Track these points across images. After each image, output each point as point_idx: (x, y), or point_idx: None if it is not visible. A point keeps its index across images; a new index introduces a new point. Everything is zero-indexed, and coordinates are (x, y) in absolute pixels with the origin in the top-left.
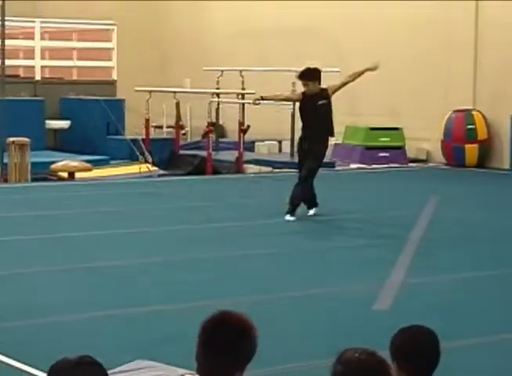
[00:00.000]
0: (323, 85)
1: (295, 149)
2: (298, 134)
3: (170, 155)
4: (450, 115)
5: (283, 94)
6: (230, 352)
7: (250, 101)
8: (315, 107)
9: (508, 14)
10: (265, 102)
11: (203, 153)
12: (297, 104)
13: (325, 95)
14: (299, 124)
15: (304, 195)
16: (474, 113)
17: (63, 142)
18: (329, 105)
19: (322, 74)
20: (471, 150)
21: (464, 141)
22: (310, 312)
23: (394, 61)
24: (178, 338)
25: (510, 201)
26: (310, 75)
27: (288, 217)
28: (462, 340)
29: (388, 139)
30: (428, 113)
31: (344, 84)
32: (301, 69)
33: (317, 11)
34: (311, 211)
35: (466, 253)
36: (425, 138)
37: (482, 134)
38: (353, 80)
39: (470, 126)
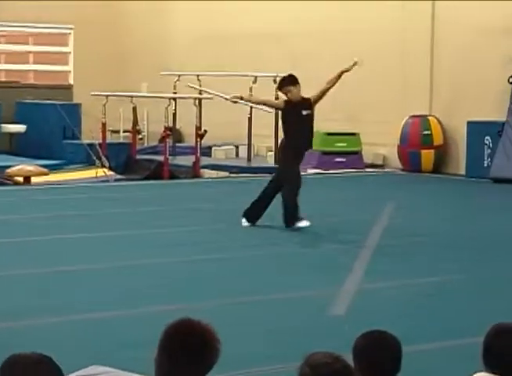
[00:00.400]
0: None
1: (252, 154)
2: (256, 139)
3: (126, 160)
4: (406, 121)
5: (265, 99)
6: (191, 361)
7: (228, 97)
8: (299, 116)
9: (463, 21)
10: (222, 104)
11: (160, 158)
12: (280, 113)
13: (308, 104)
14: (257, 129)
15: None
16: (430, 118)
17: (19, 147)
18: (312, 116)
19: (278, 79)
20: (427, 156)
21: (420, 146)
22: (267, 317)
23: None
24: (135, 343)
25: (465, 207)
26: (291, 80)
27: (302, 223)
28: (417, 345)
29: (345, 144)
30: (385, 118)
31: (324, 91)
32: (258, 74)
33: (276, 17)
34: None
35: (421, 259)
36: (382, 143)
37: (438, 139)
38: (333, 85)
39: (427, 132)
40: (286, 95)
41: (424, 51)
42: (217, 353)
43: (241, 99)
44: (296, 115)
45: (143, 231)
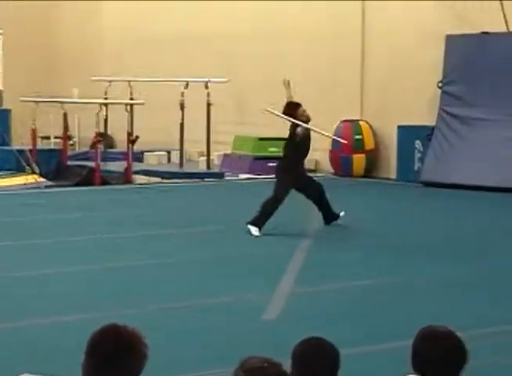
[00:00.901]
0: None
1: (184, 159)
2: (188, 144)
3: (57, 166)
4: (338, 125)
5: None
6: (117, 365)
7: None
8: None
9: (393, 27)
10: (154, 110)
11: (92, 164)
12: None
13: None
14: (188, 134)
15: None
16: (361, 123)
17: None
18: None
19: (210, 84)
20: (359, 160)
21: (352, 151)
22: (200, 322)
23: (283, 72)
24: (65, 350)
25: (396, 210)
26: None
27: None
28: (349, 348)
29: (277, 149)
30: (316, 123)
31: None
32: (189, 79)
33: (208, 22)
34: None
35: (353, 261)
36: (314, 148)
37: (369, 144)
38: None
39: (358, 136)
40: (303, 116)
41: (355, 56)
42: (144, 358)
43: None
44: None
45: (74, 238)
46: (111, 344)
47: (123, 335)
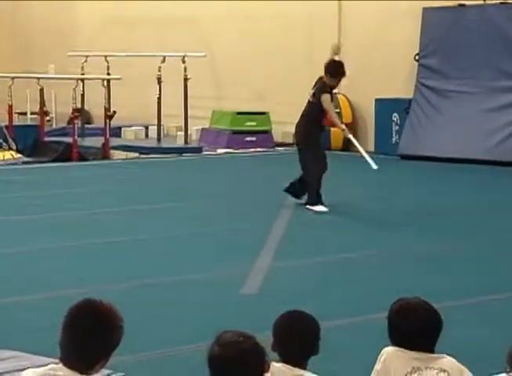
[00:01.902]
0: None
1: (162, 134)
2: (165, 119)
3: (34, 142)
4: None
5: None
6: (93, 340)
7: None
8: None
9: (368, 1)
10: (131, 85)
11: (69, 140)
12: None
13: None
14: (166, 109)
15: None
16: (338, 96)
17: None
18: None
19: (187, 58)
20: (336, 134)
21: (330, 124)
22: (178, 297)
23: (260, 47)
24: (41, 328)
25: (374, 183)
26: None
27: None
28: (329, 321)
29: (255, 123)
30: (294, 97)
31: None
32: (166, 53)
33: (186, 1)
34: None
35: (331, 236)
36: (291, 122)
37: (347, 117)
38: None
39: (335, 109)
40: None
41: (332, 30)
42: (120, 331)
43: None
44: None
45: (52, 214)
46: (87, 319)
47: (98, 310)
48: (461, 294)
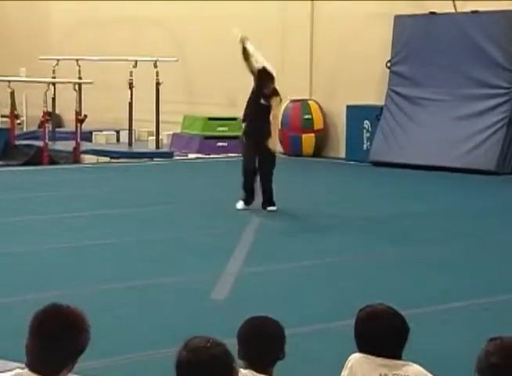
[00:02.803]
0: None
1: (133, 139)
2: (137, 123)
3: (5, 145)
4: (287, 105)
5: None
6: (60, 344)
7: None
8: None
9: (342, 6)
10: (102, 89)
11: (40, 143)
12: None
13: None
14: (137, 114)
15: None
16: (310, 102)
17: None
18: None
19: (159, 63)
20: (308, 140)
21: (301, 130)
22: (148, 302)
23: (231, 51)
24: (7, 332)
25: (344, 189)
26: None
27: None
28: (297, 328)
29: (226, 128)
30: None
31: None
32: (138, 58)
33: (158, 2)
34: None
35: (301, 242)
36: None
37: (318, 124)
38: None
39: (307, 116)
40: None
41: (304, 36)
42: (86, 336)
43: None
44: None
45: (21, 217)
46: (53, 323)
47: (64, 314)
48: (428, 301)
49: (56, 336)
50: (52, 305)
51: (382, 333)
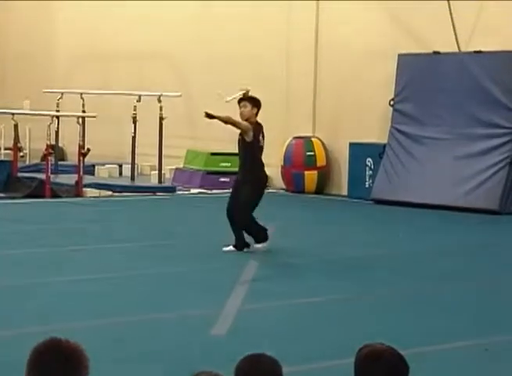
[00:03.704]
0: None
1: (136, 173)
2: (139, 158)
3: (7, 177)
4: (290, 141)
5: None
6: None
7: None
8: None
9: (346, 44)
10: (106, 123)
11: (42, 176)
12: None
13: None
14: (140, 148)
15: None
16: (313, 140)
17: None
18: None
19: (162, 98)
20: (310, 177)
21: (304, 167)
22: (149, 337)
23: (235, 87)
24: (6, 365)
25: (348, 228)
26: (252, 99)
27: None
28: (298, 366)
29: (229, 164)
30: (268, 139)
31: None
32: (142, 93)
33: (160, 35)
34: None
35: (302, 280)
36: (265, 163)
37: (321, 161)
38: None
39: (310, 153)
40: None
41: (307, 73)
42: (85, 372)
43: (209, 116)
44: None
45: (22, 250)
46: (52, 358)
47: (63, 348)
48: (429, 341)
49: (54, 372)
50: (51, 339)
51: (382, 373)
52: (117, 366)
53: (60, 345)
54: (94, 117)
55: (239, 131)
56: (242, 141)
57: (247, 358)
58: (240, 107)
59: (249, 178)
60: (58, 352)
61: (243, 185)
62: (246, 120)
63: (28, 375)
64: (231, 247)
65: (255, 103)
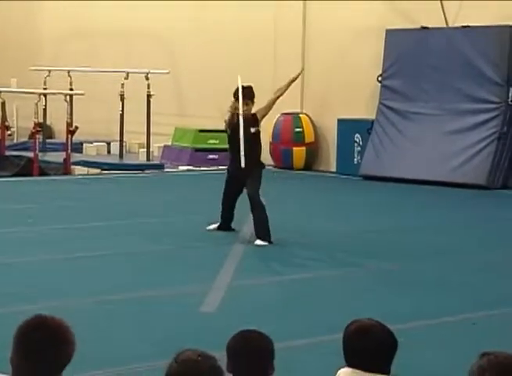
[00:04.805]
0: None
1: (124, 150)
2: (128, 135)
3: None
4: (278, 118)
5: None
6: (44, 355)
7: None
8: (244, 133)
9: (334, 21)
10: (94, 101)
11: (30, 155)
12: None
13: (255, 120)
14: (129, 125)
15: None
16: (301, 116)
17: None
18: (259, 134)
19: (150, 75)
20: (299, 153)
21: (292, 144)
22: (137, 315)
23: (222, 64)
24: None
25: (335, 203)
26: (249, 95)
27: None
28: (287, 341)
29: (217, 141)
30: None
31: (273, 102)
32: (130, 70)
33: (148, 13)
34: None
35: (291, 255)
36: None
37: (310, 137)
38: (281, 94)
39: (298, 129)
40: (239, 105)
41: (295, 50)
42: (71, 347)
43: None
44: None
45: (10, 229)
46: (38, 334)
47: (48, 325)
48: (416, 316)
49: (40, 348)
50: (36, 316)
51: (371, 348)
52: (105, 344)
53: (46, 321)
54: (82, 94)
55: (239, 119)
56: (248, 128)
57: (238, 334)
58: (243, 105)
59: (258, 165)
60: (44, 328)
61: (254, 172)
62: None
63: (14, 352)
64: (215, 226)
65: (251, 97)
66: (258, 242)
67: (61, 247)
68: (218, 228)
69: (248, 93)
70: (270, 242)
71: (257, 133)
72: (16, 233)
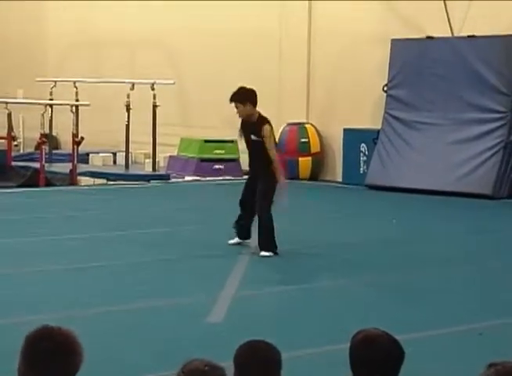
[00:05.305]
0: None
1: (130, 161)
2: (133, 146)
3: (1, 167)
4: (284, 128)
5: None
6: (52, 366)
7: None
8: (248, 140)
9: (339, 29)
10: (99, 111)
11: (36, 165)
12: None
13: (258, 129)
14: (134, 136)
15: (268, 229)
16: (307, 126)
17: None
18: (263, 143)
19: (156, 85)
20: (304, 163)
21: (298, 154)
22: (143, 325)
23: (228, 73)
24: (3, 354)
25: (340, 213)
26: (240, 95)
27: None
28: (296, 351)
29: (223, 151)
30: None
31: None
32: (135, 80)
33: (153, 23)
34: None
35: (297, 266)
36: None
37: (315, 147)
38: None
39: (304, 139)
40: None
41: (301, 59)
42: (79, 358)
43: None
44: (246, 137)
45: (18, 239)
46: (45, 345)
47: (57, 336)
48: (424, 326)
49: (47, 358)
50: (44, 326)
51: (377, 358)
52: (112, 355)
53: (53, 332)
54: (87, 105)
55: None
56: (249, 134)
57: (246, 344)
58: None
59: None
60: (50, 339)
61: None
62: (248, 116)
63: (22, 363)
64: (237, 240)
65: (243, 98)
66: (263, 253)
67: (64, 258)
68: (238, 237)
69: (239, 96)
70: (275, 253)
71: (260, 143)
72: (19, 244)
